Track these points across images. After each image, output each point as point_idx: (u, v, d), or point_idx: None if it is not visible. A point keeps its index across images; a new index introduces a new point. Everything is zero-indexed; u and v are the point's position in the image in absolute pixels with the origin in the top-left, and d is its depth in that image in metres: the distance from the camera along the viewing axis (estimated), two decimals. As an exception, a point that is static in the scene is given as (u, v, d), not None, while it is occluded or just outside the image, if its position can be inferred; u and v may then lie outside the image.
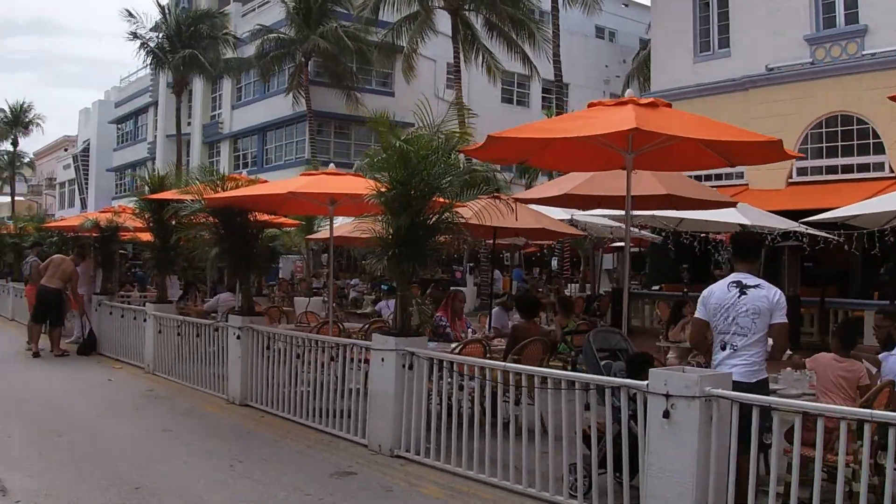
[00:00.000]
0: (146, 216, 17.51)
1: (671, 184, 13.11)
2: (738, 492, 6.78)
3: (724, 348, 7.76)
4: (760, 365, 7.69)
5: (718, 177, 26.67)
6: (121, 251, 23.65)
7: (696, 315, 8.09)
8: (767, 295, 7.66)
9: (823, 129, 25.53)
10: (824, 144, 25.42)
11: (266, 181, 16.52)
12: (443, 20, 39.19)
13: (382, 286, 25.89)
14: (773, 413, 6.62)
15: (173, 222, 16.35)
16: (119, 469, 9.55)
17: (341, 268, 38.99)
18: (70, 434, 11.36)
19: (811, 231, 20.08)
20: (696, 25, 29.15)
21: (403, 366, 9.94)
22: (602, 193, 13.31)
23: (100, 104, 74.45)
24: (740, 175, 26.72)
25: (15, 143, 75.71)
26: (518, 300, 14.42)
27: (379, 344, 10.25)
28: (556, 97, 36.32)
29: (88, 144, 74.72)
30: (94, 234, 20.70)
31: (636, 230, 22.83)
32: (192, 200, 13.56)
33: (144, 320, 17.02)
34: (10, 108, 73.79)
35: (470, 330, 14.36)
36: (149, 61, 48.34)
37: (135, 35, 45.18)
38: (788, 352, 9.23)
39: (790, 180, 25.95)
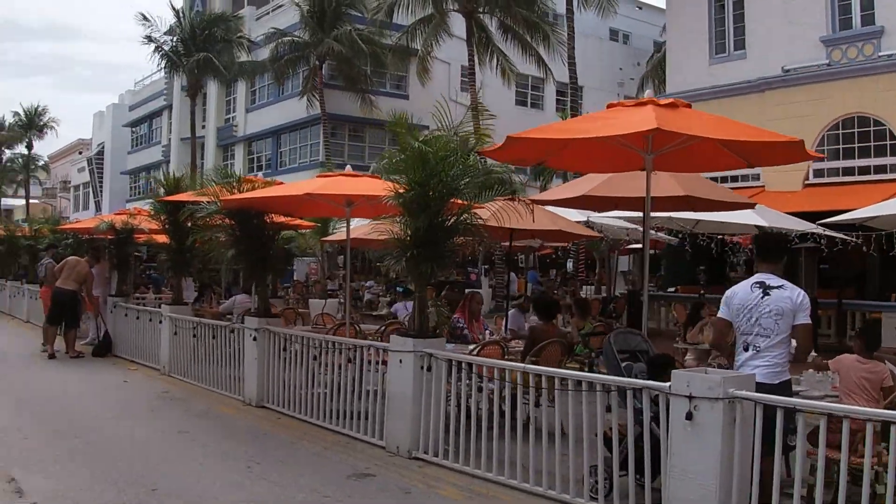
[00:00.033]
0: (162, 218, 17.51)
1: (689, 185, 13.04)
2: (761, 494, 6.71)
3: (746, 349, 7.70)
4: (783, 366, 7.62)
5: (734, 178, 26.52)
6: (135, 253, 23.65)
7: (719, 315, 8.03)
8: (791, 296, 7.60)
9: (840, 131, 25.37)
10: (841, 146, 25.24)
11: (282, 183, 16.51)
12: (457, 23, 39.12)
13: (398, 288, 25.86)
14: (797, 415, 6.55)
15: (189, 224, 16.35)
16: (135, 471, 9.51)
17: (356, 270, 38.90)
18: (86, 435, 11.35)
19: (829, 233, 19.96)
20: (712, 27, 29.00)
21: (421, 367, 9.88)
22: (620, 195, 13.23)
23: (114, 108, 74.59)
24: (756, 177, 26.61)
25: (29, 147, 75.91)
26: (536, 302, 14.39)
27: (397, 345, 10.20)
28: (570, 100, 36.26)
29: (103, 148, 74.87)
30: (110, 237, 20.71)
31: (652, 232, 22.73)
32: (208, 202, 13.55)
33: (160, 322, 17.02)
34: (24, 111, 74.02)
35: (487, 332, 14.30)
36: (163, 65, 48.42)
37: (150, 39, 45.34)
38: (813, 353, 9.14)
39: (806, 182, 25.80)
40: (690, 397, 6.80)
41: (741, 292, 7.82)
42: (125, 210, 23.70)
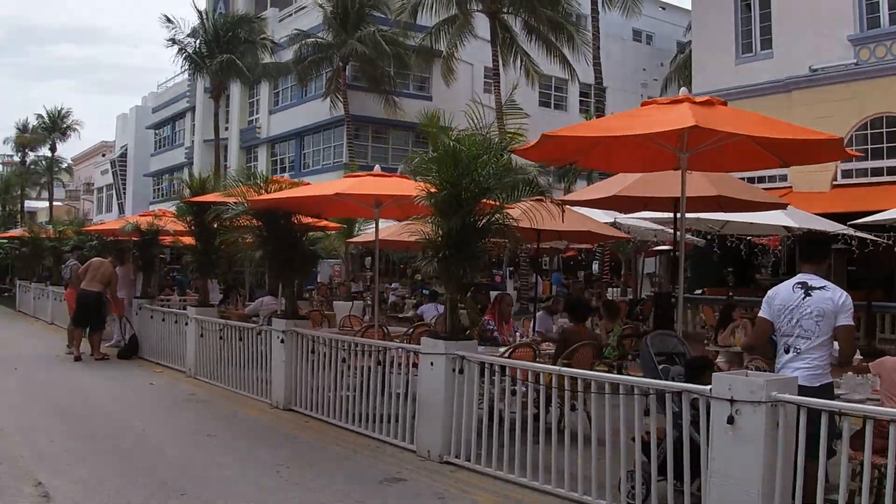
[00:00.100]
0: (188, 219, 17.43)
1: (722, 185, 12.88)
2: (804, 500, 6.55)
3: (787, 351, 7.56)
4: (824, 369, 7.48)
5: (761, 179, 26.30)
6: (160, 255, 23.61)
7: (761, 315, 7.87)
8: (832, 297, 7.45)
9: (868, 131, 25.14)
10: (869, 146, 25.00)
11: (309, 183, 16.42)
12: (480, 24, 39.04)
13: (424, 290, 25.76)
14: (843, 419, 6.40)
15: (215, 225, 16.27)
16: (163, 475, 9.44)
17: (381, 272, 38.92)
18: (113, 438, 11.28)
19: (859, 234, 19.76)
20: (738, 26, 28.82)
21: (453, 370, 9.76)
22: (651, 195, 13.09)
23: (137, 110, 74.81)
24: (783, 177, 26.40)
25: (53, 149, 76.07)
26: (569, 304, 14.22)
27: (428, 348, 10.08)
28: (595, 100, 36.11)
29: (126, 150, 75.12)
30: (135, 238, 20.67)
31: (679, 233, 22.54)
32: (235, 203, 13.47)
33: (186, 324, 16.96)
34: (47, 113, 74.22)
35: (517, 333, 14.17)
36: (187, 67, 48.44)
37: (173, 41, 45.31)
38: (858, 356, 8.99)
39: (835, 183, 25.61)
40: (732, 401, 6.65)
41: (783, 292, 7.68)
42: (150, 211, 23.68)
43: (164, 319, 18.52)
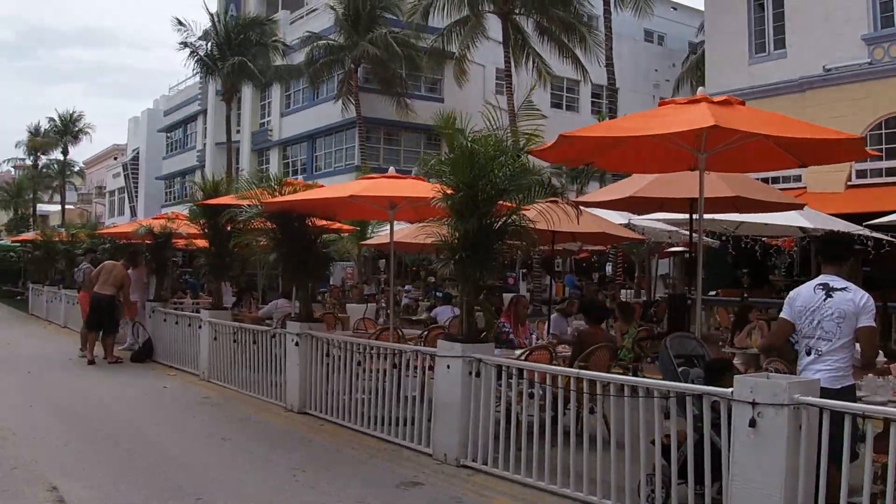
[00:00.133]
0: (201, 222, 17.39)
1: (738, 185, 12.81)
2: (827, 503, 6.47)
3: (808, 353, 7.49)
4: (846, 371, 7.40)
5: (775, 180, 26.18)
6: (172, 258, 23.61)
7: (782, 316, 7.79)
8: (854, 298, 7.37)
9: (883, 131, 25.03)
10: (884, 146, 24.86)
11: (323, 185, 16.38)
12: (492, 25, 38.98)
13: (437, 293, 25.70)
14: (866, 421, 6.31)
15: (229, 228, 16.24)
16: (179, 479, 9.39)
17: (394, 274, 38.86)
18: (127, 443, 11.23)
19: (875, 234, 19.63)
20: (751, 26, 28.73)
21: (470, 373, 9.69)
22: (667, 196, 13.01)
23: (149, 113, 74.90)
24: (798, 178, 26.29)
25: (65, 152, 76.38)
26: (585, 306, 14.16)
27: (445, 350, 10.00)
28: (608, 101, 36.05)
29: (138, 153, 75.22)
30: (148, 241, 20.65)
31: (693, 234, 22.44)
32: (249, 205, 13.43)
33: (199, 327, 16.93)
34: (59, 117, 74.46)
35: (533, 336, 14.10)
36: (198, 69, 48.46)
37: (185, 44, 45.38)
38: (881, 357, 8.90)
39: (849, 183, 25.49)
40: (754, 403, 6.56)
41: (804, 293, 7.60)
42: (163, 214, 23.68)
43: (177, 322, 18.49)
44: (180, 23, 44.50)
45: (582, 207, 14.48)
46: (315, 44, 44.25)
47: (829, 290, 7.44)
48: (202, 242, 18.84)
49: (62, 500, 8.45)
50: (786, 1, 27.49)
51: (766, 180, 25.01)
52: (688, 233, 19.77)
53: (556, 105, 49.65)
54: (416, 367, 10.95)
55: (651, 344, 14.85)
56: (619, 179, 23.67)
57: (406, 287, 34.83)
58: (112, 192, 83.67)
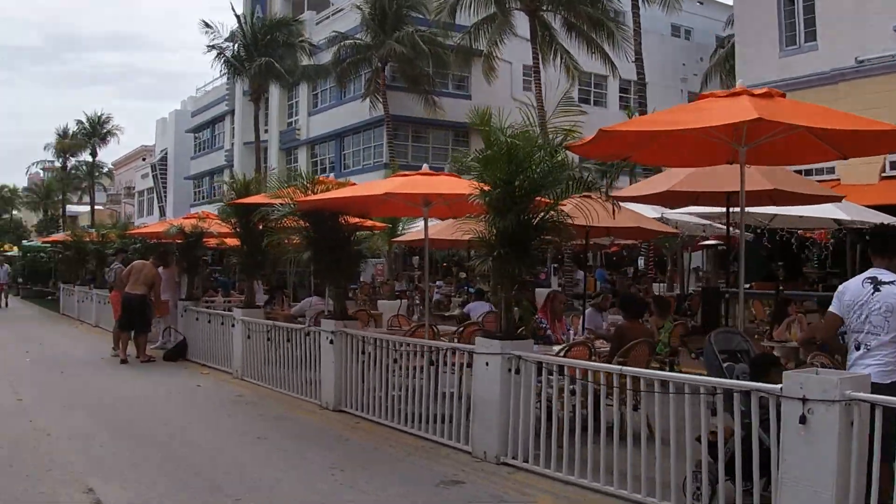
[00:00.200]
0: (232, 221, 17.36)
1: (776, 178, 12.69)
2: (879, 502, 6.33)
3: (857, 348, 7.33)
4: (895, 366, 7.23)
5: (808, 172, 25.84)
6: (203, 257, 23.63)
7: (830, 310, 7.63)
8: (902, 291, 7.22)
9: (918, 122, 24.73)
10: (918, 138, 24.57)
11: (354, 183, 16.34)
12: (519, 22, 38.84)
13: (469, 288, 25.59)
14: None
15: (261, 226, 16.20)
16: (216, 479, 9.35)
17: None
18: (163, 442, 11.23)
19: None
20: (782, 18, 28.41)
21: (509, 370, 9.59)
22: (705, 190, 12.90)
23: (176, 114, 75.34)
24: (831, 170, 25.98)
25: (94, 154, 76.73)
26: (623, 300, 14.00)
27: (483, 347, 9.92)
28: (638, 96, 35.88)
29: (166, 154, 75.59)
30: (178, 241, 20.67)
31: (722, 226, 22.27)
32: (281, 204, 13.39)
33: (232, 325, 16.91)
34: (87, 119, 74.84)
35: (571, 331, 13.98)
36: (226, 70, 48.61)
37: (212, 47, 45.55)
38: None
39: (883, 174, 25.21)
40: (804, 400, 6.42)
41: (853, 287, 7.44)
42: (194, 214, 23.70)
43: (209, 321, 18.49)
44: (207, 25, 44.91)
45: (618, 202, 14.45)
46: (342, 43, 44.32)
47: (877, 284, 7.29)
48: (232, 241, 18.82)
49: (99, 502, 8.42)
50: (816, -8, 27.23)
51: (798, 172, 24.82)
52: (721, 226, 19.68)
53: (584, 100, 49.39)
54: (453, 364, 10.86)
55: (692, 339, 14.72)
56: (650, 174, 23.56)
57: (437, 283, 34.79)
58: (141, 193, 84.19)
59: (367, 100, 44.97)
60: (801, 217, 18.38)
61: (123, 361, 18.89)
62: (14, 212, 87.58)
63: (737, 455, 7.17)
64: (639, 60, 34.73)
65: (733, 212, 14.51)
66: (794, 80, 26.88)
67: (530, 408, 9.54)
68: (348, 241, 13.65)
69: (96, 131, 74.94)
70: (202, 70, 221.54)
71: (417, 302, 25.24)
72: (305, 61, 47.54)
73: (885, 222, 17.15)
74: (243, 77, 47.70)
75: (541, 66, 37.22)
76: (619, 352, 10.92)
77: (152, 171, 77.17)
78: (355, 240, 14.12)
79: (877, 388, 6.71)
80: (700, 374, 8.58)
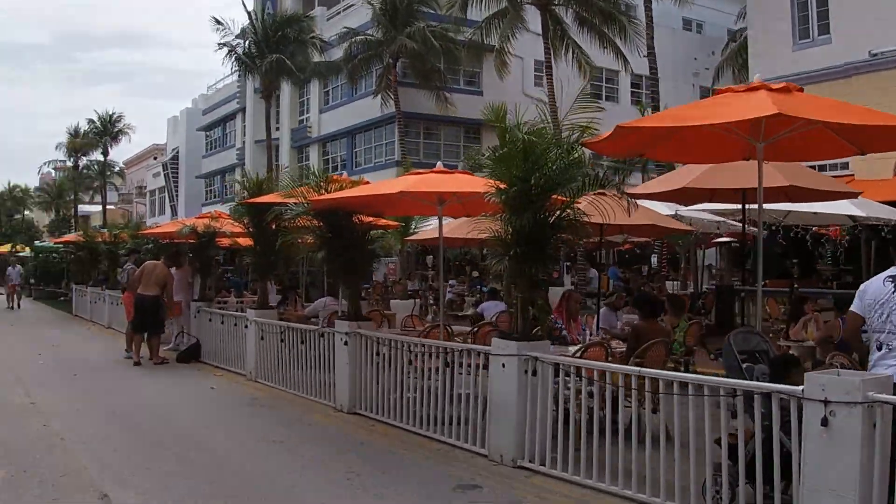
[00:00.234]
0: (245, 221, 17.28)
1: (792, 174, 12.55)
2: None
3: (879, 348, 7.22)
4: (918, 366, 7.11)
5: (822, 168, 25.74)
6: (215, 258, 23.57)
7: (851, 309, 7.53)
8: (923, 290, 7.11)
9: (933, 116, 24.53)
10: (934, 132, 24.37)
11: (368, 182, 16.25)
12: (530, 17, 38.71)
13: (482, 287, 25.49)
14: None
15: (274, 226, 16.11)
16: (231, 484, 9.29)
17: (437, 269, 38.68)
18: (177, 446, 11.15)
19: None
20: (795, 12, 28.23)
21: (526, 371, 9.49)
22: (721, 186, 12.78)
23: (187, 112, 75.23)
24: (845, 165, 25.83)
25: (105, 153, 76.70)
26: (640, 299, 13.88)
27: (499, 349, 9.81)
28: (650, 91, 35.74)
29: (177, 152, 75.52)
30: (191, 241, 20.60)
31: (736, 223, 22.12)
32: (295, 203, 13.30)
33: (245, 326, 16.84)
34: (98, 118, 74.81)
35: (586, 332, 13.87)
36: (237, 68, 48.57)
37: (223, 45, 45.53)
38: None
39: (898, 170, 25.03)
40: (826, 402, 6.31)
41: (874, 286, 7.33)
42: (207, 213, 23.64)
43: (222, 322, 18.44)
44: (218, 22, 44.85)
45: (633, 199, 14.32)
46: (353, 39, 44.15)
47: (898, 283, 7.19)
48: (245, 241, 18.75)
49: (114, 508, 8.34)
50: (830, -16, 27.05)
51: (812, 168, 24.68)
52: (735, 223, 19.51)
53: (596, 95, 48.82)
54: (468, 366, 10.76)
55: (711, 340, 14.60)
56: (663, 170, 23.37)
57: (450, 282, 34.71)
58: (152, 192, 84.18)
59: (379, 96, 44.79)
60: (815, 213, 18.19)
61: (137, 363, 18.85)
62: (26, 212, 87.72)
63: (757, 457, 7.07)
64: (651, 55, 34.62)
65: (749, 209, 14.38)
66: (807, 73, 26.67)
67: (547, 410, 9.44)
68: (363, 240, 13.59)
69: (108, 130, 74.87)
70: (213, 68, 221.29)
71: (431, 302, 25.13)
72: (316, 58, 47.41)
73: (857, 220, 17.03)
74: (254, 74, 47.62)
75: (553, 61, 37.09)
76: (636, 352, 10.82)
77: (164, 170, 77.18)
78: (370, 239, 14.05)
79: (898, 389, 6.62)
80: (718, 375, 8.48)
